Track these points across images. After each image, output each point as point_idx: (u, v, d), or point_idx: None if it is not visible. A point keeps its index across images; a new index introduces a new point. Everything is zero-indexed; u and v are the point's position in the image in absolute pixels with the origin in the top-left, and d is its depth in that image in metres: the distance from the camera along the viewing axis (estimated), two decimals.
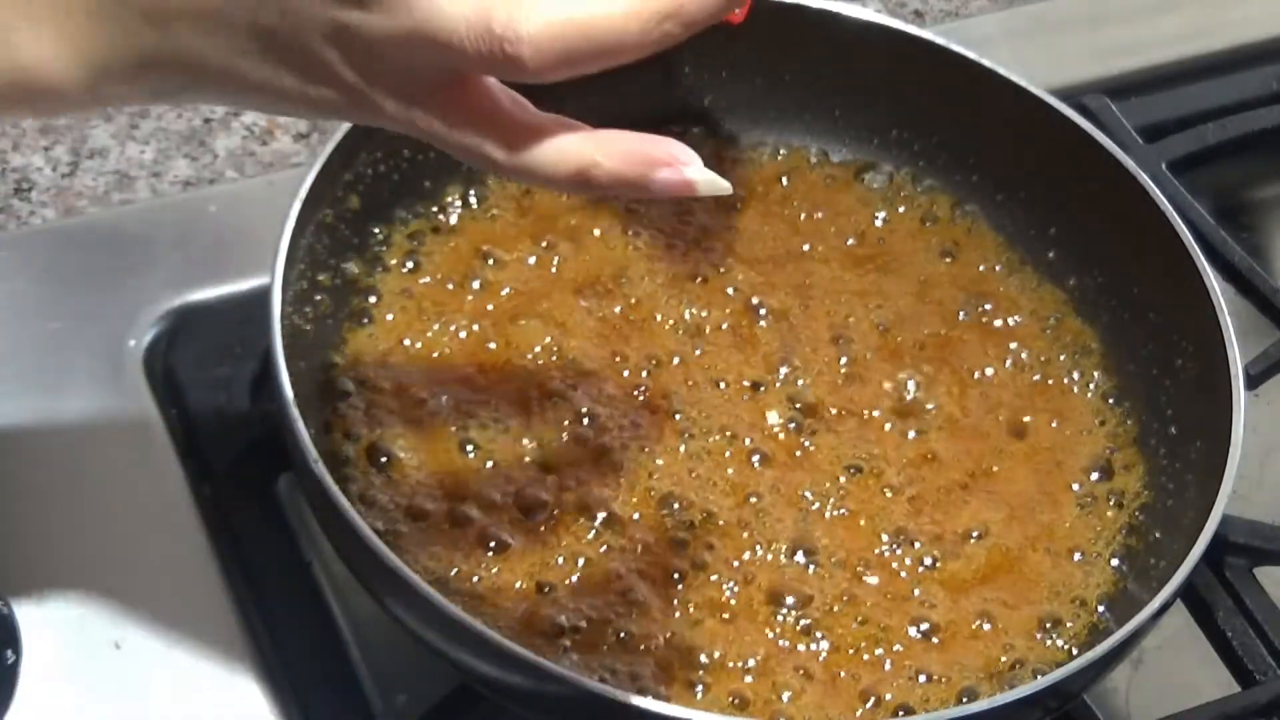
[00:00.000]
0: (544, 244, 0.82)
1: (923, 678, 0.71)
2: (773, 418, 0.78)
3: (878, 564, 0.74)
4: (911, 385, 0.80)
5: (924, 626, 0.72)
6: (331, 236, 0.77)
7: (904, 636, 0.72)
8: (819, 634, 0.71)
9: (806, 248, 0.84)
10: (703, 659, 0.70)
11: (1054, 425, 0.79)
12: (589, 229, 0.83)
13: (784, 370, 0.79)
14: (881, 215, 0.86)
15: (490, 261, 0.81)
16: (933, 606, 0.73)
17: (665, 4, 0.53)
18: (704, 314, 0.81)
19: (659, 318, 0.80)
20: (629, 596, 0.71)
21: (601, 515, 0.73)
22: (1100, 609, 0.74)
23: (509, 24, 0.52)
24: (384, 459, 0.74)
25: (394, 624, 0.68)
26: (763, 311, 0.81)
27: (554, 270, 0.81)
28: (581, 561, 0.72)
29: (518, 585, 0.71)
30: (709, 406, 0.77)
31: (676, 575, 0.72)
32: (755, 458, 0.76)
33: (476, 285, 0.80)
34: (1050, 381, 0.81)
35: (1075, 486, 0.78)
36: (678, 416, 0.77)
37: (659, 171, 0.55)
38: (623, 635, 0.70)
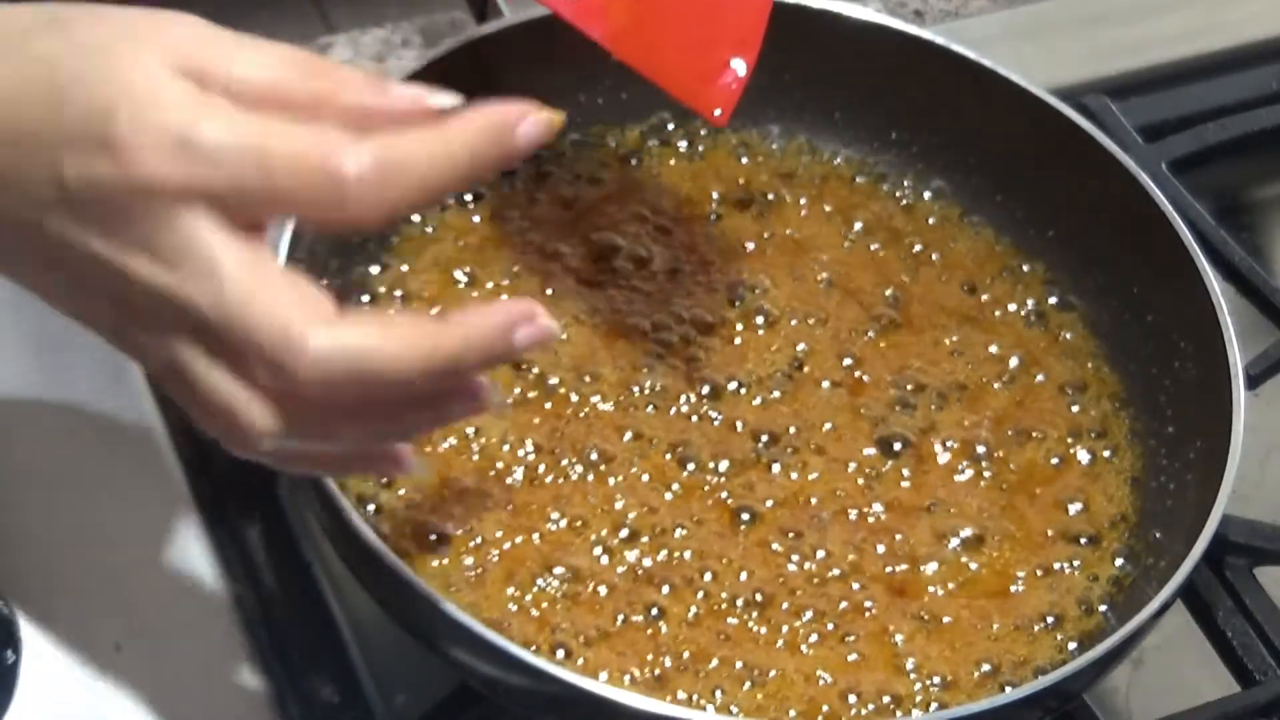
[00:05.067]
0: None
1: (922, 677, 0.71)
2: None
3: (878, 563, 0.74)
4: (911, 385, 0.79)
5: (924, 626, 0.72)
6: (331, 236, 0.77)
7: (904, 635, 0.72)
8: (818, 633, 0.71)
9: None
10: (707, 661, 0.70)
11: (1053, 425, 0.79)
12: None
13: (782, 373, 0.79)
14: (880, 215, 0.86)
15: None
16: (932, 606, 0.73)
17: (449, 355, 0.56)
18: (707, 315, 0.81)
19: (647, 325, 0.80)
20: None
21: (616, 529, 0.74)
22: (1101, 609, 0.74)
23: (302, 335, 0.54)
24: None
25: (394, 624, 0.68)
26: (761, 315, 0.81)
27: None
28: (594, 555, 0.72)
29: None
30: (722, 403, 0.78)
31: (665, 582, 0.72)
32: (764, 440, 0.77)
33: (472, 283, 0.80)
34: (1049, 381, 0.81)
35: (1075, 486, 0.78)
36: (692, 400, 0.77)
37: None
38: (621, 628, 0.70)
